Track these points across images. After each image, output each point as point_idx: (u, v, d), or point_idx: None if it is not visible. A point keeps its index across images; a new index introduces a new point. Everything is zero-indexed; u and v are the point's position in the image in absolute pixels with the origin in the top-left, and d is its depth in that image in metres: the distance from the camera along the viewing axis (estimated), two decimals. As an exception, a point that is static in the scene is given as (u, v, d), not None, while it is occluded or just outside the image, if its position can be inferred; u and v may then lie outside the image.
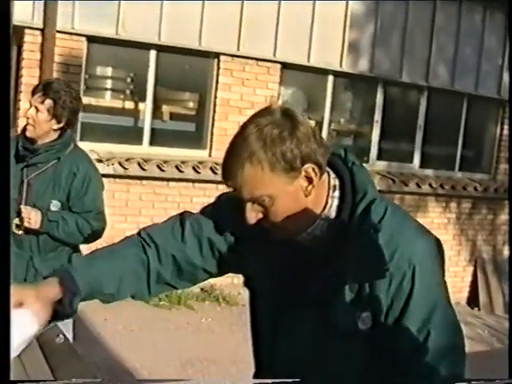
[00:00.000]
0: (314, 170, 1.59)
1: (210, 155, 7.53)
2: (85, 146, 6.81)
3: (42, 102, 3.26)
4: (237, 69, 7.48)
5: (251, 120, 1.59)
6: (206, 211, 1.96)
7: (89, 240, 3.59)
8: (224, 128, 7.53)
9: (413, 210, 8.75)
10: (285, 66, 7.71)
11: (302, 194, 1.61)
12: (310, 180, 1.60)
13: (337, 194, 1.67)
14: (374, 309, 1.61)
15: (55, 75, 6.42)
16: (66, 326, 3.63)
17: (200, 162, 7.24)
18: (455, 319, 1.65)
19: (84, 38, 6.74)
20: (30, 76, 6.55)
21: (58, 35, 6.51)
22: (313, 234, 1.67)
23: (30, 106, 3.32)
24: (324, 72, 8.01)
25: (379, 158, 8.59)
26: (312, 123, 8.28)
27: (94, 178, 3.54)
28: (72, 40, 6.67)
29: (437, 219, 8.94)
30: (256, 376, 1.95)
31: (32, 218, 3.34)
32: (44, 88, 3.30)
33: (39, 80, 6.12)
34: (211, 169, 7.25)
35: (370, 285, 1.60)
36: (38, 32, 6.50)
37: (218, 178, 7.20)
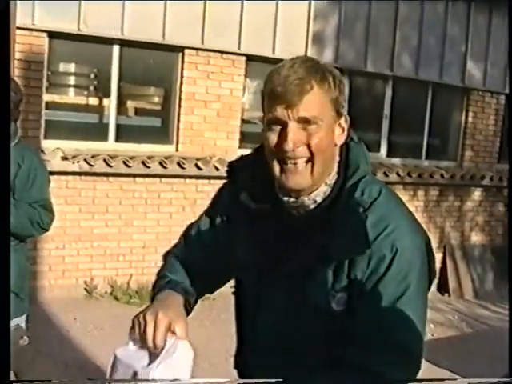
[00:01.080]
0: (346, 120, 1.68)
1: (176, 150, 7.49)
2: (49, 143, 6.79)
3: None
4: (201, 62, 7.43)
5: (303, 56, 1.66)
6: (203, 216, 1.96)
7: (39, 231, 3.58)
8: (190, 122, 7.49)
9: (381, 199, 8.80)
10: (250, 58, 7.69)
11: (334, 138, 1.66)
12: (342, 130, 1.67)
13: (337, 159, 1.71)
14: (349, 291, 1.61)
15: (16, 73, 6.31)
16: (20, 319, 3.59)
17: (166, 157, 7.19)
18: (419, 324, 1.60)
19: (45, 34, 6.64)
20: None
21: (17, 31, 6.38)
22: (313, 200, 1.67)
23: None
24: (289, 63, 7.99)
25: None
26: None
27: (40, 169, 3.54)
28: (33, 36, 6.56)
29: (405, 207, 8.99)
30: (237, 354, 1.97)
31: None
32: None
33: None
34: (178, 163, 7.21)
35: (349, 265, 1.60)
36: (-4, 29, 6.37)
37: (186, 172, 7.19)
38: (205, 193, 7.42)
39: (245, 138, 7.93)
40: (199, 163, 7.35)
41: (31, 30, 6.51)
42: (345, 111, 1.70)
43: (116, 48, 7.09)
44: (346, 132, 1.68)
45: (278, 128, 1.60)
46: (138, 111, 7.60)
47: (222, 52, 7.48)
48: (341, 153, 1.70)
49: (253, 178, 1.75)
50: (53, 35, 6.71)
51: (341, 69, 8.19)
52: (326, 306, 1.62)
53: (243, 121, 7.94)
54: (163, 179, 7.32)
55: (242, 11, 7.43)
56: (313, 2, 7.85)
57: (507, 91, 9.39)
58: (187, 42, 7.27)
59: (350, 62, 8.29)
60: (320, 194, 1.66)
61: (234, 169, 1.85)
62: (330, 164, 1.67)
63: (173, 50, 7.33)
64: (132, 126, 7.59)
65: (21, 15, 6.37)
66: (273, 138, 1.61)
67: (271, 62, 7.78)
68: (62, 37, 6.77)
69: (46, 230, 3.62)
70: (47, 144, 6.76)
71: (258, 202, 1.74)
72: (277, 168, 1.63)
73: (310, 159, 1.61)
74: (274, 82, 1.58)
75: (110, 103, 7.24)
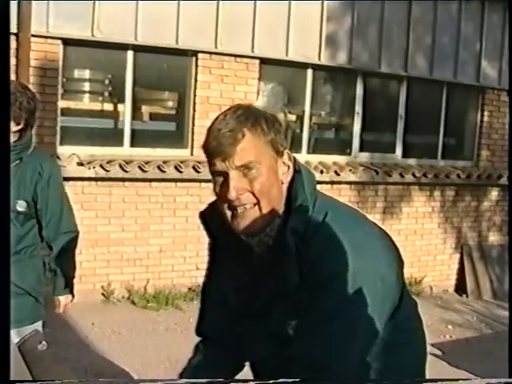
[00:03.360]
0: (289, 157, 1.71)
1: (191, 154, 7.50)
2: (65, 149, 6.83)
3: None
4: (215, 66, 7.44)
5: (232, 108, 1.70)
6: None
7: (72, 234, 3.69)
8: (204, 126, 7.37)
9: (397, 200, 8.78)
10: (263, 61, 7.68)
11: (279, 177, 1.69)
12: (287, 167, 1.70)
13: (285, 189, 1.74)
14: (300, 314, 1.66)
15: (32, 80, 6.36)
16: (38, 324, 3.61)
17: (182, 162, 7.20)
18: (353, 344, 1.60)
19: (59, 41, 6.67)
20: (5, 81, 6.47)
21: (32, 39, 6.44)
22: (266, 233, 1.71)
23: None
24: (303, 66, 7.99)
25: (361, 149, 8.59)
26: (293, 117, 8.31)
27: (60, 178, 3.62)
28: (47, 43, 6.60)
29: (421, 208, 8.96)
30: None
31: (67, 302, 3.64)
32: None
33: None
34: (193, 167, 7.22)
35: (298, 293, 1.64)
36: (12, 37, 6.41)
37: (201, 176, 7.19)
38: (220, 196, 7.43)
39: (259, 141, 7.91)
40: (214, 167, 7.34)
41: (46, 37, 6.55)
42: (287, 148, 1.73)
43: (130, 53, 7.12)
44: (291, 169, 1.71)
45: (221, 178, 1.67)
46: (152, 116, 7.61)
47: (235, 55, 7.48)
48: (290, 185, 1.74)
49: (221, 223, 1.78)
50: (67, 42, 6.74)
51: (354, 70, 8.22)
52: (285, 333, 1.69)
53: (258, 124, 7.92)
54: (179, 183, 7.34)
55: (254, 14, 7.43)
56: (325, 4, 7.84)
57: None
58: (201, 46, 7.29)
59: (364, 64, 8.27)
60: (274, 227, 1.71)
61: (205, 218, 1.91)
62: (278, 202, 1.70)
63: (186, 55, 7.35)
64: (147, 130, 7.61)
65: (35, 23, 6.42)
66: (218, 188, 1.69)
67: (285, 65, 7.83)
68: (76, 43, 6.81)
69: (77, 232, 3.71)
70: (63, 150, 6.80)
71: (231, 245, 1.80)
72: (228, 214, 1.70)
73: (257, 203, 1.67)
74: (210, 136, 1.67)
75: (125, 108, 7.27)
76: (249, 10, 7.41)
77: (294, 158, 1.73)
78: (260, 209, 1.66)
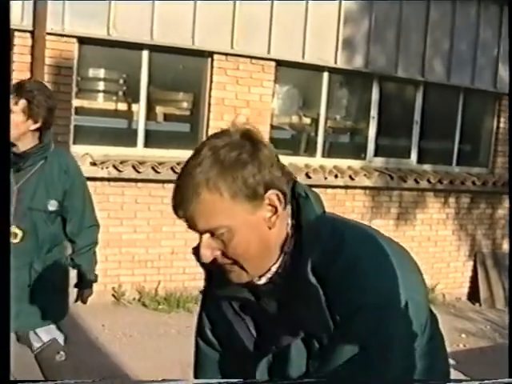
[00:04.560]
0: (278, 197, 1.45)
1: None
2: (78, 149, 6.78)
3: (16, 104, 3.19)
4: (231, 67, 7.38)
5: (206, 142, 1.46)
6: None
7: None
8: (219, 127, 7.30)
9: (411, 206, 8.69)
10: (279, 63, 7.62)
11: (265, 226, 1.46)
12: (274, 209, 1.46)
13: (290, 222, 1.53)
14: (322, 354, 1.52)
15: (46, 78, 6.31)
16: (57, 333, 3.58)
17: (196, 163, 7.14)
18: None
19: (75, 40, 6.64)
20: (21, 79, 6.43)
21: (48, 37, 6.40)
22: (278, 274, 1.53)
23: None
24: (319, 69, 7.93)
25: (376, 154, 8.51)
26: (308, 121, 8.24)
27: (82, 174, 3.63)
28: (62, 42, 6.56)
29: (436, 215, 8.88)
30: None
31: (89, 295, 3.71)
32: (16, 89, 3.23)
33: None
34: (207, 169, 7.15)
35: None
36: (27, 34, 6.39)
37: (215, 178, 7.13)
38: (233, 199, 7.38)
39: (274, 144, 7.76)
40: (228, 169, 7.28)
41: (61, 35, 6.51)
42: (273, 186, 1.45)
43: (145, 53, 7.07)
44: (280, 207, 1.46)
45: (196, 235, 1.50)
46: (167, 117, 7.57)
47: (251, 57, 7.42)
48: (293, 214, 1.54)
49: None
50: (82, 40, 6.70)
51: (371, 74, 8.14)
52: (304, 372, 1.55)
53: (272, 126, 7.88)
54: (192, 185, 7.27)
55: (271, 16, 7.37)
56: (343, 6, 7.77)
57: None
58: (216, 47, 7.23)
59: (381, 68, 8.20)
60: (282, 264, 1.53)
61: (206, 268, 1.73)
62: (266, 254, 1.50)
63: (202, 55, 7.30)
64: (161, 131, 7.56)
65: (51, 21, 6.39)
66: (196, 245, 1.52)
67: (301, 67, 7.77)
68: (91, 42, 6.77)
69: (98, 226, 3.79)
70: (76, 149, 6.75)
71: (231, 293, 1.64)
72: (216, 267, 1.53)
73: (235, 262, 1.48)
74: (175, 188, 1.48)
75: (139, 108, 7.22)
76: (265, 12, 7.35)
77: (295, 185, 1.53)
78: (242, 267, 1.48)
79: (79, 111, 6.98)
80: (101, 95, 7.29)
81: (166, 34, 6.94)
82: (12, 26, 6.40)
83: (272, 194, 1.44)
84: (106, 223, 6.92)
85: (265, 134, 7.64)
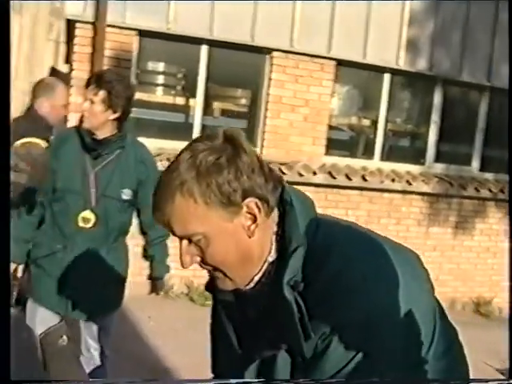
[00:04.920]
0: (257, 205, 1.38)
1: (261, 153, 7.39)
2: (133, 140, 6.82)
3: (96, 94, 3.26)
4: (290, 65, 7.31)
5: (188, 145, 1.41)
6: None
7: None
8: (276, 126, 7.39)
9: (471, 215, 8.44)
10: (340, 62, 7.51)
11: (244, 234, 1.40)
12: (253, 217, 1.39)
13: (275, 229, 1.45)
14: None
15: (105, 69, 6.38)
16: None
17: (250, 160, 7.09)
18: None
19: (135, 33, 6.70)
20: (80, 70, 6.53)
21: (108, 29, 6.48)
22: (261, 283, 1.45)
23: (85, 99, 3.33)
24: (380, 70, 7.78)
25: (436, 160, 8.29)
26: (367, 122, 8.10)
27: (158, 169, 3.62)
28: (123, 34, 6.63)
29: (496, 225, 8.58)
30: None
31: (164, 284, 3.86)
32: (96, 80, 3.30)
33: (89, 74, 6.08)
34: (261, 167, 7.10)
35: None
36: (89, 26, 6.47)
37: (269, 176, 7.07)
38: (287, 198, 7.29)
39: (332, 145, 7.77)
40: (283, 168, 7.22)
41: (121, 28, 6.57)
42: (253, 195, 1.38)
43: (204, 48, 7.07)
44: (260, 216, 1.39)
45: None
46: (224, 112, 7.56)
47: (311, 56, 7.33)
48: (279, 222, 1.45)
49: None
50: (142, 33, 6.75)
51: (434, 76, 7.94)
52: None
53: (331, 127, 7.77)
54: (245, 183, 7.23)
55: (332, 14, 7.26)
56: (407, 6, 7.59)
57: None
58: (276, 44, 7.18)
59: (445, 71, 7.98)
60: (265, 273, 1.46)
61: None
62: (248, 263, 1.43)
63: (261, 52, 7.25)
64: (217, 127, 7.51)
65: (112, 14, 6.46)
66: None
67: (362, 68, 7.63)
68: (151, 35, 6.80)
69: None
70: (132, 141, 6.80)
71: (220, 296, 1.59)
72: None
73: (216, 269, 1.43)
74: (152, 203, 1.44)
75: (196, 103, 7.22)
76: (327, 10, 7.26)
77: (282, 190, 1.45)
78: (226, 274, 1.43)
79: (137, 104, 6.99)
80: (159, 89, 7.34)
81: (225, 30, 6.92)
82: (73, 17, 6.52)
83: (251, 202, 1.38)
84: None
85: (322, 134, 7.55)
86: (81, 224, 3.35)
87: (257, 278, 1.45)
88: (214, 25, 6.88)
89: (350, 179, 7.50)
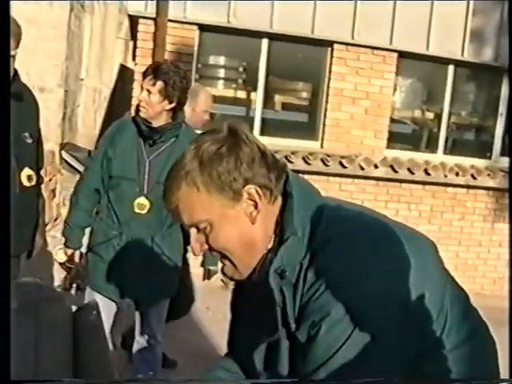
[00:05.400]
0: (257, 192, 1.44)
1: (321, 146, 7.38)
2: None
3: (154, 85, 3.36)
4: (351, 58, 7.26)
5: (195, 138, 1.50)
6: None
7: None
8: (337, 119, 7.35)
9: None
10: (402, 54, 7.40)
11: (247, 221, 1.46)
12: (254, 204, 1.45)
13: (277, 218, 1.50)
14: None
15: (167, 63, 6.50)
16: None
17: (310, 154, 7.09)
18: None
19: (196, 27, 6.79)
20: (143, 65, 6.65)
21: (169, 24, 6.59)
22: (265, 271, 1.48)
23: (142, 89, 3.43)
24: (444, 61, 7.63)
25: (503, 153, 8.06)
26: (431, 115, 7.95)
27: None
28: (184, 29, 6.73)
29: None
30: None
31: (216, 271, 3.84)
32: (154, 71, 3.39)
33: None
34: (322, 160, 7.09)
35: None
36: (151, 21, 6.59)
37: (329, 170, 7.07)
38: (348, 192, 7.26)
39: (393, 138, 7.67)
40: (344, 161, 7.19)
41: (182, 22, 6.67)
42: (253, 183, 1.43)
43: (265, 41, 7.10)
44: (260, 202, 1.44)
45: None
46: (285, 106, 7.57)
47: (372, 48, 7.26)
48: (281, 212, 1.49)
49: None
50: (203, 28, 6.84)
51: (500, 68, 7.73)
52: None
53: (393, 120, 7.68)
54: (306, 176, 7.22)
55: (394, 5, 7.17)
56: (472, -2, 7.42)
57: None
58: (337, 36, 7.14)
59: (512, 62, 7.76)
60: (267, 261, 1.49)
61: None
62: (252, 250, 1.48)
63: (322, 45, 7.23)
64: (278, 120, 7.57)
65: (173, 8, 6.56)
66: None
67: (425, 59, 7.50)
68: (212, 30, 6.89)
69: None
70: (193, 135, 6.90)
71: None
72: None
73: (224, 257, 1.50)
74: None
75: (257, 97, 7.26)
76: (388, 1, 7.16)
77: (287, 179, 1.50)
78: (231, 260, 1.49)
79: (199, 97, 7.10)
80: (221, 82, 7.41)
81: (285, 23, 6.93)
82: (136, 13, 6.66)
83: (251, 189, 1.44)
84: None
85: (384, 127, 7.47)
86: (136, 210, 3.43)
87: (259, 267, 1.50)
88: (274, 18, 6.90)
89: (412, 173, 7.40)
